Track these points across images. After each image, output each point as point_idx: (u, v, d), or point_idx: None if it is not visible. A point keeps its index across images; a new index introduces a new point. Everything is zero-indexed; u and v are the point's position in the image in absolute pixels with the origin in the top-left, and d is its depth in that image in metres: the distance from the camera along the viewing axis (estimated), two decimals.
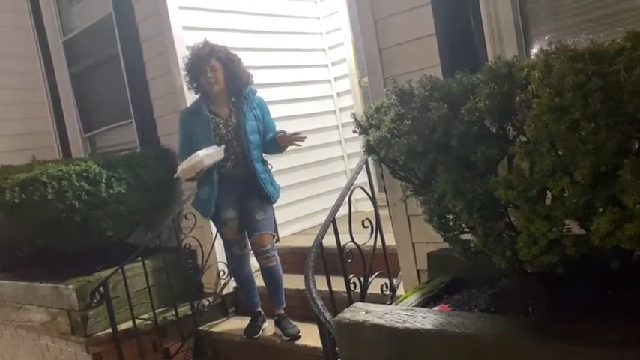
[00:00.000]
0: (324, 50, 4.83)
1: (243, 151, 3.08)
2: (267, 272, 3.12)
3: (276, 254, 3.13)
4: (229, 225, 3.16)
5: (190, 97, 3.44)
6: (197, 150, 2.97)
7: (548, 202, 1.37)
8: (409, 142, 1.48)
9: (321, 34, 4.80)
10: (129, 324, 3.38)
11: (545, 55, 1.35)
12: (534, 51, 2.15)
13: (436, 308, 1.92)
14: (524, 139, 1.42)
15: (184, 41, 3.59)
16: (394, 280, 2.83)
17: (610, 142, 1.12)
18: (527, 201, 1.30)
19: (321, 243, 2.47)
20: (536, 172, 1.27)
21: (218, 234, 3.56)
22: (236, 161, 3.10)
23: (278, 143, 3.11)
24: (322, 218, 4.25)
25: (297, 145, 3.15)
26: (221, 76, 3.06)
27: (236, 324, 3.52)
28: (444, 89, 1.54)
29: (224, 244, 3.35)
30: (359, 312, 1.83)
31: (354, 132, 1.97)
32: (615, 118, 1.14)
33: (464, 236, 1.73)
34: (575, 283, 1.59)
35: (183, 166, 2.98)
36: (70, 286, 3.39)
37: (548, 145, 1.23)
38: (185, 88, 3.57)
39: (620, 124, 1.12)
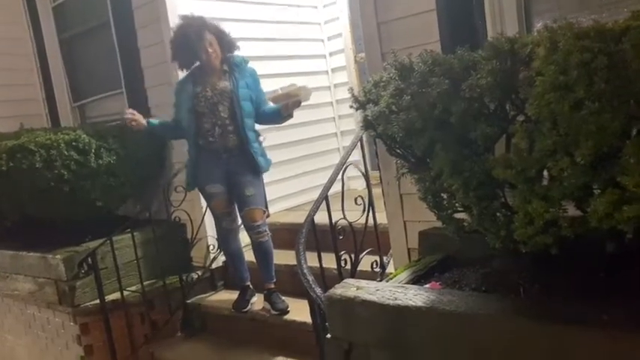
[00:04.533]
0: (319, 24, 4.74)
1: (233, 117, 3.02)
2: (259, 247, 3.11)
3: (267, 229, 3.11)
4: (217, 199, 3.14)
5: None
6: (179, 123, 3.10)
7: (544, 182, 1.36)
8: (408, 118, 1.46)
9: (316, 7, 4.70)
10: (117, 295, 3.37)
11: (550, 32, 1.31)
12: (536, 28, 2.11)
13: (427, 286, 1.92)
14: (523, 117, 1.40)
15: (178, 9, 3.50)
16: (384, 258, 2.83)
17: (614, 122, 1.10)
18: (526, 181, 1.29)
19: (313, 219, 2.46)
20: (536, 152, 1.26)
21: (208, 208, 3.55)
22: (223, 129, 3.02)
23: (279, 111, 3.04)
24: (314, 195, 4.24)
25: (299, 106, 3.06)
26: (218, 48, 3.04)
27: (225, 298, 3.52)
28: (445, 65, 1.51)
29: (214, 218, 3.33)
30: (350, 288, 1.83)
31: (351, 107, 1.94)
32: (620, 98, 1.12)
33: (457, 215, 1.73)
34: (568, 264, 1.59)
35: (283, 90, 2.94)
36: (58, 257, 3.36)
37: (550, 124, 1.21)
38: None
39: (626, 105, 1.10)
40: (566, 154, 1.23)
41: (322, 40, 4.75)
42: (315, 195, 4.26)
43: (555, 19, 1.36)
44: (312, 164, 4.47)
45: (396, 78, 1.64)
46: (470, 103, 1.36)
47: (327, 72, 4.76)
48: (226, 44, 3.08)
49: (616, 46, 1.19)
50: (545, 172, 1.34)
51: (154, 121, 3.21)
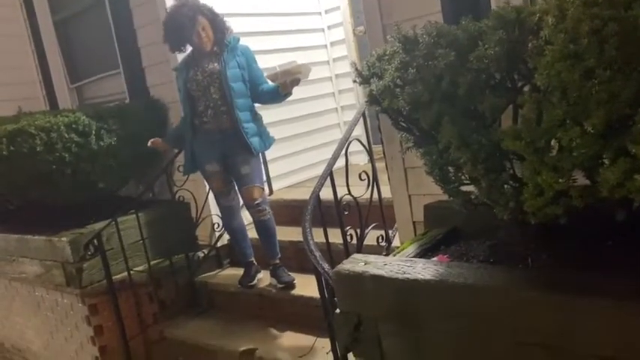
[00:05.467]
0: None
1: (224, 98, 3.00)
2: (260, 225, 3.13)
3: (267, 207, 3.12)
4: (213, 178, 3.17)
5: None
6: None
7: (553, 153, 1.35)
8: (414, 92, 1.44)
9: None
10: (124, 275, 3.40)
11: (558, 0, 1.29)
12: None
13: (434, 259, 1.93)
14: (531, 87, 1.39)
15: None
16: (390, 232, 2.84)
17: (625, 90, 1.09)
18: (535, 151, 1.28)
19: (319, 195, 2.46)
20: (545, 122, 1.24)
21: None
22: (215, 110, 3.02)
23: (277, 89, 3.00)
24: (315, 172, 4.27)
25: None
26: (210, 32, 3.01)
27: (231, 275, 3.54)
28: (450, 36, 1.49)
29: (214, 197, 3.32)
30: (358, 263, 1.83)
31: (354, 82, 1.92)
32: (631, 65, 1.10)
33: (464, 188, 1.73)
34: (576, 234, 1.59)
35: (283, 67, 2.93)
36: (64, 239, 3.36)
37: (560, 93, 1.20)
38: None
39: (637, 72, 1.09)
40: (576, 124, 1.21)
41: (320, 14, 4.68)
42: (316, 171, 4.28)
43: None
44: (312, 140, 4.45)
45: (400, 51, 1.61)
46: (477, 74, 1.35)
47: (325, 46, 4.70)
48: (219, 28, 3.04)
49: (626, 12, 1.17)
50: (554, 142, 1.34)
51: (170, 131, 3.37)
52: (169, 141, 3.32)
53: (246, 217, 3.31)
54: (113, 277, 3.34)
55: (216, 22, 3.04)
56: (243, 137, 3.02)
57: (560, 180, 1.27)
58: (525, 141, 1.28)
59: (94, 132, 3.42)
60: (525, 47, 1.32)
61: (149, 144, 3.23)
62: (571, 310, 1.38)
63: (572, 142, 1.24)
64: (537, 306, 1.45)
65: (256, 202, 3.06)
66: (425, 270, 1.66)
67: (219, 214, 3.58)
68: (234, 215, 3.26)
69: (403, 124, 1.71)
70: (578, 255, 1.63)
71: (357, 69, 1.90)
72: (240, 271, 3.38)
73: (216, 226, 3.66)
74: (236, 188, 3.18)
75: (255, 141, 3.06)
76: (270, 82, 3.04)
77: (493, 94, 1.34)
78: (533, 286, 1.49)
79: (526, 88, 1.44)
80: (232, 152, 3.06)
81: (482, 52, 1.33)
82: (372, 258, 1.86)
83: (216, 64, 3.02)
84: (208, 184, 3.28)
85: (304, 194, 3.54)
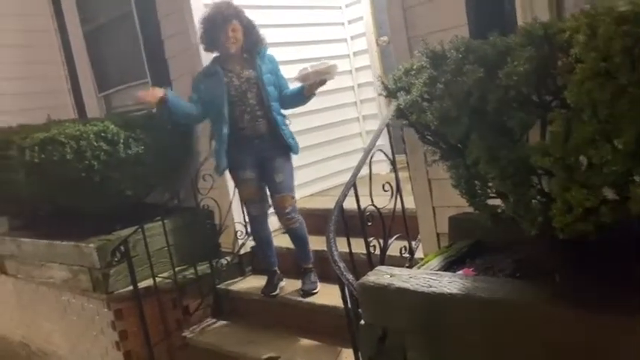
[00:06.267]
0: (340, 8, 4.71)
1: (260, 103, 3.06)
2: (291, 233, 3.19)
3: (296, 215, 3.15)
4: (246, 185, 3.19)
5: (206, 57, 3.39)
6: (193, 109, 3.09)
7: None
8: (442, 107, 1.45)
9: None
10: (149, 282, 3.45)
11: (588, 17, 1.29)
12: (571, 13, 2.07)
13: (460, 272, 1.93)
14: (560, 104, 1.39)
15: None
16: (413, 243, 2.84)
17: None
18: (565, 168, 1.28)
19: (342, 206, 2.47)
20: (575, 139, 1.25)
21: (235, 195, 3.60)
22: (252, 114, 3.07)
23: (302, 92, 3.05)
24: (337, 180, 4.29)
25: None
26: (241, 37, 3.07)
27: (253, 283, 3.58)
28: (479, 52, 1.50)
29: (243, 204, 3.36)
30: (383, 275, 1.84)
31: (380, 95, 1.94)
32: None
33: (490, 201, 1.73)
34: (604, 250, 1.58)
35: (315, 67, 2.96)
36: (91, 245, 3.44)
37: (590, 111, 1.20)
38: (201, 47, 3.52)
39: None
40: (606, 141, 1.22)
41: (343, 24, 4.71)
42: (338, 180, 4.31)
43: (594, 3, 1.33)
44: (334, 149, 4.48)
45: (428, 66, 1.63)
46: (506, 90, 1.36)
47: (348, 56, 4.74)
48: (252, 37, 3.11)
49: None
50: (582, 159, 1.34)
51: (176, 98, 3.12)
52: (170, 101, 3.02)
53: (271, 223, 3.35)
54: (138, 284, 3.39)
55: (250, 30, 3.10)
56: (283, 138, 3.09)
57: (591, 197, 1.27)
58: (555, 157, 1.28)
59: (122, 141, 3.49)
60: (554, 64, 1.33)
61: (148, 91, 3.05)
62: (599, 327, 1.37)
63: (603, 159, 1.24)
64: (565, 322, 1.44)
65: (286, 210, 3.11)
66: (451, 284, 1.66)
67: (243, 222, 3.64)
68: (262, 224, 3.29)
69: (430, 138, 1.73)
70: (607, 271, 1.62)
71: (383, 82, 1.93)
72: (262, 279, 3.41)
73: (239, 233, 3.70)
74: (267, 195, 3.22)
75: (292, 143, 3.14)
76: (294, 86, 3.12)
77: (522, 111, 1.35)
78: (561, 302, 1.49)
79: (554, 104, 1.45)
80: (268, 157, 3.11)
81: (512, 69, 1.34)
82: (397, 270, 1.87)
83: (250, 70, 3.09)
84: (240, 191, 3.28)
85: (326, 203, 3.58)
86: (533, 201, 1.49)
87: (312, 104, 3.31)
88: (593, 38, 1.21)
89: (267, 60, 3.16)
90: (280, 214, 3.14)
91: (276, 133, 3.08)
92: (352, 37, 4.73)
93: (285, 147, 3.12)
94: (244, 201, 3.30)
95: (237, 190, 3.53)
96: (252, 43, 3.12)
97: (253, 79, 3.08)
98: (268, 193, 3.21)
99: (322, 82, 2.99)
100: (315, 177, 4.31)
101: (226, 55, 3.11)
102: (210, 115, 3.17)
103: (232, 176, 3.25)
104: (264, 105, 3.07)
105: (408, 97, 1.60)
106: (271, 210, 3.28)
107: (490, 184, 1.63)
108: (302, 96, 3.09)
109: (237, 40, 3.06)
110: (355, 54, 4.74)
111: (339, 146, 4.52)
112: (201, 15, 3.13)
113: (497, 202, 1.71)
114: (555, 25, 1.45)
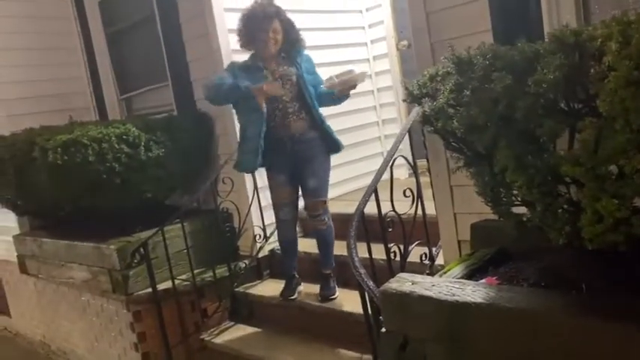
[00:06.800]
0: (360, 12, 4.70)
1: (297, 101, 3.05)
2: (319, 235, 3.20)
3: (326, 218, 3.14)
4: (281, 188, 3.17)
5: (227, 61, 3.40)
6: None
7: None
8: (469, 114, 1.44)
9: None
10: (168, 284, 3.45)
11: (620, 24, 1.27)
12: (601, 20, 2.04)
13: (483, 281, 1.90)
14: (590, 112, 1.37)
15: (223, 3, 3.54)
16: (433, 250, 2.82)
17: None
18: (595, 178, 1.26)
19: (363, 212, 2.46)
20: (607, 149, 1.22)
21: (255, 199, 3.61)
22: (283, 112, 3.03)
23: (332, 93, 3.06)
24: (356, 184, 4.27)
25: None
26: (280, 39, 3.07)
27: (271, 286, 3.58)
28: (507, 59, 1.48)
29: (273, 207, 3.30)
30: (405, 283, 1.83)
31: (404, 101, 1.93)
32: None
33: (515, 209, 1.70)
34: (632, 260, 1.55)
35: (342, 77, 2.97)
36: (112, 247, 3.47)
37: (623, 121, 1.18)
38: (222, 51, 3.55)
39: None
40: (638, 151, 1.19)
41: (363, 28, 4.71)
42: (357, 184, 4.29)
43: (627, 10, 1.31)
44: (353, 154, 4.45)
45: (454, 72, 1.61)
46: (535, 98, 1.34)
47: (368, 60, 4.72)
48: (291, 38, 3.11)
49: None
50: (612, 168, 1.31)
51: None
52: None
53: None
54: (157, 286, 3.40)
55: (289, 29, 3.10)
56: (329, 135, 3.11)
57: (622, 207, 1.24)
58: (585, 167, 1.26)
59: (143, 143, 3.52)
60: (585, 72, 1.30)
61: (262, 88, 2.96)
62: (626, 338, 1.34)
63: (634, 168, 1.22)
64: (593, 333, 1.41)
65: (317, 213, 3.11)
66: (475, 293, 1.64)
67: (262, 225, 3.65)
68: (290, 229, 3.27)
69: (454, 145, 1.71)
70: (634, 282, 1.59)
71: (406, 87, 1.91)
72: (280, 283, 3.41)
73: (257, 237, 3.71)
74: (297, 199, 3.20)
75: (336, 138, 3.15)
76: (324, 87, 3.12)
77: (552, 119, 1.33)
78: (587, 313, 1.47)
79: (584, 112, 1.42)
80: (305, 158, 3.08)
81: (542, 77, 1.32)
82: (419, 278, 1.86)
83: (286, 67, 3.09)
84: (272, 193, 3.22)
85: (345, 207, 3.58)
86: (561, 210, 1.47)
87: (332, 108, 3.31)
88: (626, 46, 1.19)
89: (305, 59, 3.17)
90: (311, 215, 3.14)
91: (320, 130, 3.09)
92: (372, 41, 4.71)
93: (322, 146, 3.11)
94: (275, 204, 3.24)
95: (256, 193, 3.54)
96: (292, 42, 3.12)
97: (288, 75, 3.07)
98: (300, 193, 3.18)
99: (353, 87, 3.01)
100: (333, 181, 4.26)
101: (263, 54, 3.10)
102: (238, 108, 3.16)
103: (268, 177, 3.23)
104: (306, 103, 3.06)
105: (434, 103, 1.59)
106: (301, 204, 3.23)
107: (515, 192, 1.61)
108: (333, 98, 3.12)
109: (277, 42, 3.05)
110: (375, 58, 4.72)
111: (358, 150, 4.50)
112: (241, 11, 3.10)
113: (522, 209, 1.69)
114: (586, 32, 1.42)
